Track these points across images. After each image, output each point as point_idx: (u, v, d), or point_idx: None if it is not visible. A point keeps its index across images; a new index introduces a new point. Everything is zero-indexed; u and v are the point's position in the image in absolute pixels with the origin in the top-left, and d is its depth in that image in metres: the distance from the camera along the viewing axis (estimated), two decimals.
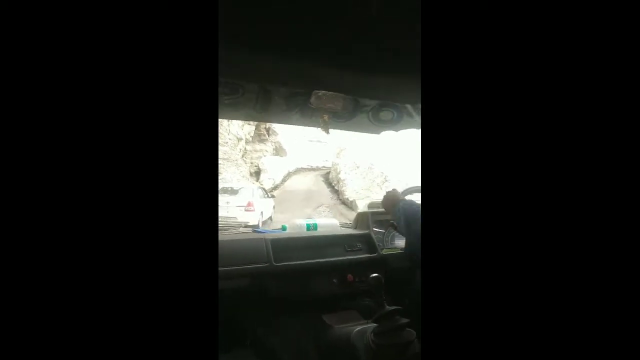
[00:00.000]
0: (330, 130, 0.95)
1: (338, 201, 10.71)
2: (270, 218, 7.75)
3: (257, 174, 12.49)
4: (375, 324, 0.80)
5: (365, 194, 9.74)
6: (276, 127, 13.74)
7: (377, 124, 1.00)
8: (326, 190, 11.98)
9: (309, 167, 14.11)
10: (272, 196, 8.25)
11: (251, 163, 12.48)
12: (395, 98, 0.88)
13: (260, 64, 0.67)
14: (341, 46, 0.60)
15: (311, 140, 14.65)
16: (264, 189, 8.46)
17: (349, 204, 9.73)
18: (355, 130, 1.09)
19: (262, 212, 7.13)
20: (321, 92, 0.78)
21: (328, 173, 13.19)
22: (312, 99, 0.79)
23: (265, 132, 13.32)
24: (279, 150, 13.65)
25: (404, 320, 0.76)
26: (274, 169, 12.39)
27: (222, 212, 6.07)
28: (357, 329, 0.88)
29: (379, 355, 0.77)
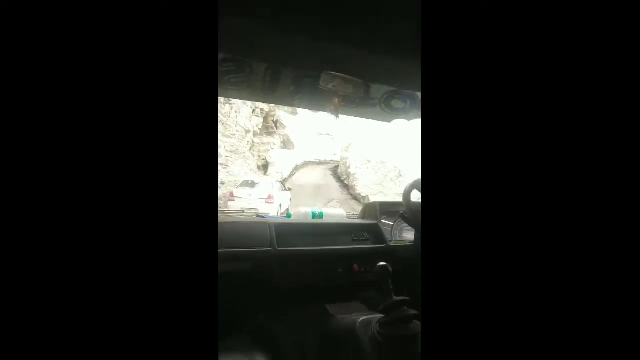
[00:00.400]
0: (339, 124, 0.97)
1: (349, 196, 10.47)
2: (287, 210, 7.76)
3: (264, 167, 12.27)
4: (381, 315, 0.76)
5: (378, 189, 9.50)
6: (284, 119, 13.52)
7: (388, 111, 0.95)
8: (335, 184, 11.76)
9: (317, 160, 13.88)
10: (289, 189, 8.31)
11: (259, 156, 12.24)
12: (409, 86, 0.83)
13: (268, 41, 0.63)
14: (353, 27, 0.58)
15: (319, 134, 14.41)
16: (281, 182, 8.55)
17: (361, 200, 9.48)
18: (366, 117, 1.04)
19: (280, 204, 7.35)
20: (331, 74, 0.74)
21: (337, 167, 12.96)
22: (322, 81, 0.75)
23: (273, 125, 13.07)
24: (286, 143, 13.41)
25: (412, 312, 0.72)
26: (282, 163, 12.20)
27: (244, 204, 6.70)
28: (361, 319, 0.84)
29: (384, 346, 0.73)
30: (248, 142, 11.56)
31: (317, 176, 12.36)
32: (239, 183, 7.77)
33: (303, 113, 13.58)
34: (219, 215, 1.29)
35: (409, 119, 1.04)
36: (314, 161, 13.80)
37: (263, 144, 12.51)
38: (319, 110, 0.96)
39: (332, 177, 12.50)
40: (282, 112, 13.38)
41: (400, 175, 9.22)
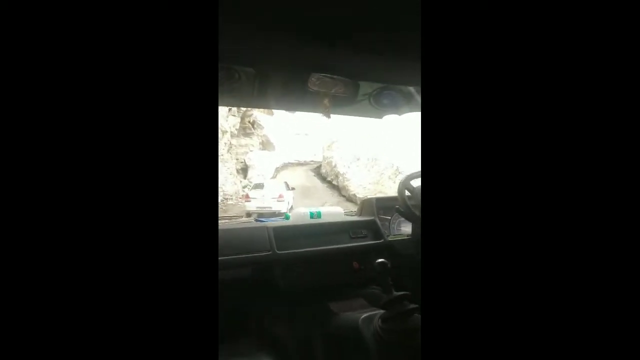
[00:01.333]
0: (317, 123, 0.78)
1: (342, 198, 9.96)
2: (292, 207, 8.63)
3: (244, 170, 11.32)
4: (383, 310, 0.80)
5: (377, 189, 9.10)
6: (262, 120, 12.65)
7: (379, 107, 0.95)
8: (322, 185, 11.20)
9: (297, 161, 13.22)
10: (293, 189, 9.06)
11: (237, 159, 11.24)
12: (397, 81, 0.84)
13: (256, 47, 0.63)
14: (340, 28, 0.57)
15: (297, 134, 13.72)
16: (286, 183, 9.24)
17: (357, 202, 9.00)
18: (357, 115, 1.04)
19: (288, 202, 8.34)
20: (320, 75, 0.74)
21: (319, 167, 12.39)
22: (311, 83, 0.76)
23: (250, 126, 12.12)
24: (266, 145, 12.55)
25: (412, 306, 0.76)
26: (261, 165, 11.34)
27: (259, 203, 7.89)
28: (364, 316, 0.87)
29: (386, 341, 0.77)
30: (225, 143, 10.54)
31: (300, 178, 11.70)
32: (252, 186, 9.08)
33: (280, 113, 12.82)
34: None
35: (400, 114, 1.03)
36: (294, 162, 13.13)
37: (241, 145, 11.57)
38: (310, 111, 0.94)
39: (315, 177, 11.92)
40: (258, 113, 12.48)
41: (399, 172, 8.89)
